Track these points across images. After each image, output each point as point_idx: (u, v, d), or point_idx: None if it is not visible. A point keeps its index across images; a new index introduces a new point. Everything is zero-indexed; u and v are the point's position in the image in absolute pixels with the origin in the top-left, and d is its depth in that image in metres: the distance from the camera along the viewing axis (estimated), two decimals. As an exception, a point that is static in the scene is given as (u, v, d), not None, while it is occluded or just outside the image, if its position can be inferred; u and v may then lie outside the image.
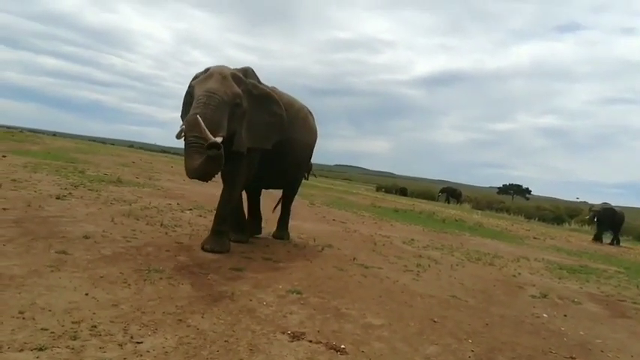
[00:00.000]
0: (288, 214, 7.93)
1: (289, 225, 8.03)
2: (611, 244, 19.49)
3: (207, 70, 5.78)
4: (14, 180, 8.48)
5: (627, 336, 5.18)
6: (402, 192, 42.24)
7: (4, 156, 12.16)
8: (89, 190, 8.83)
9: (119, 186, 9.98)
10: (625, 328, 5.54)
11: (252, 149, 6.05)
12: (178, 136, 5.29)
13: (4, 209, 6.04)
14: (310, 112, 7.69)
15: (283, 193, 7.92)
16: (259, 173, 6.48)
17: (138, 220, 6.87)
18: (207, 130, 4.87)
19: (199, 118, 4.92)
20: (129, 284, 4.02)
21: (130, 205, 8.00)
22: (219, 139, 4.95)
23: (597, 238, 19.72)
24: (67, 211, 6.62)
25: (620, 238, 20.65)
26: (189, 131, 5.03)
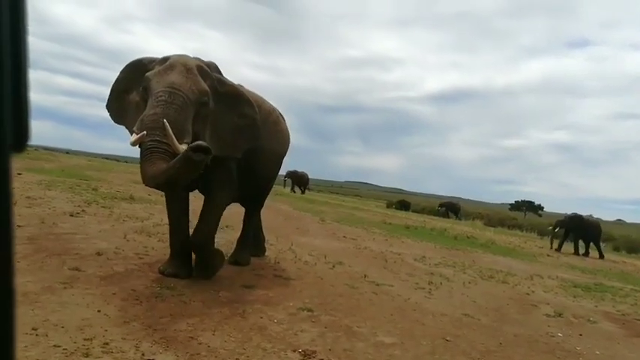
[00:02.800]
0: (250, 233, 6.76)
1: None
2: (585, 254, 18.36)
3: (165, 59, 4.74)
4: (29, 197, 8.60)
5: (645, 356, 5.07)
6: (404, 206, 42.33)
7: (19, 174, 12.35)
8: (102, 207, 8.92)
9: (131, 203, 10.07)
10: (643, 348, 5.41)
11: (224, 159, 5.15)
12: (135, 143, 4.28)
13: (18, 226, 6.11)
14: (281, 115, 6.74)
15: (246, 211, 6.87)
16: None
17: (150, 236, 6.91)
18: (174, 137, 4.12)
19: (167, 123, 4.10)
20: (141, 301, 4.04)
21: (142, 222, 8.06)
22: (183, 147, 4.19)
23: (559, 247, 18.62)
24: (80, 228, 6.69)
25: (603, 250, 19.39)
26: (148, 135, 4.20)
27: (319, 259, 7.63)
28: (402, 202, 43.52)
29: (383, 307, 5.32)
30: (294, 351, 3.52)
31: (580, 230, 18.73)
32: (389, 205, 44.34)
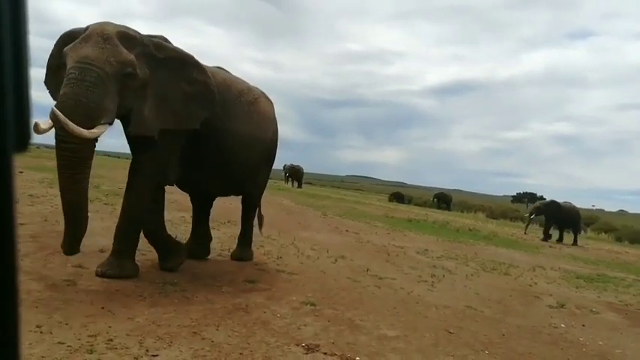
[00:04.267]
0: (249, 229, 6.45)
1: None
2: (559, 241, 18.11)
3: (86, 28, 4.16)
4: (31, 195, 8.61)
5: (648, 346, 5.08)
6: (398, 198, 43.25)
7: (21, 172, 12.36)
8: (104, 204, 8.92)
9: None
10: (645, 337, 5.42)
11: (170, 134, 4.62)
12: (40, 130, 3.59)
13: (21, 224, 6.12)
14: (266, 99, 6.12)
15: (242, 203, 6.53)
16: (187, 172, 5.08)
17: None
18: (70, 124, 3.63)
19: (56, 111, 3.61)
20: (144, 297, 4.05)
21: (145, 218, 8.06)
22: (99, 130, 3.86)
23: (545, 236, 18.25)
24: (82, 225, 6.69)
25: (579, 236, 19.01)
26: (55, 124, 3.68)
27: (321, 253, 7.65)
28: (396, 194, 44.52)
29: (386, 300, 5.33)
30: (298, 345, 3.54)
31: (557, 217, 18.51)
32: (391, 199, 44.69)
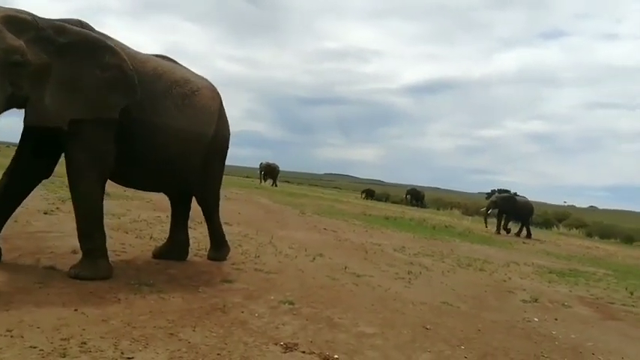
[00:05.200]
0: (217, 227, 6.16)
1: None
2: (518, 235, 18.49)
3: None
4: None
5: (618, 338, 5.23)
6: (370, 194, 43.84)
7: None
8: (77, 204, 8.73)
9: (107, 199, 9.79)
10: (615, 330, 5.58)
11: (94, 123, 4.33)
12: None
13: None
14: (209, 91, 5.62)
15: (198, 204, 6.07)
16: (119, 168, 4.76)
17: (127, 233, 6.82)
18: None
19: None
20: (119, 299, 3.98)
21: (119, 218, 7.93)
22: None
23: (498, 229, 18.56)
24: (54, 226, 6.55)
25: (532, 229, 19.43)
26: None
27: (300, 251, 7.64)
28: (367, 190, 45.20)
29: (364, 297, 5.36)
30: (276, 344, 3.52)
31: (511, 210, 18.82)
32: (363, 196, 45.23)
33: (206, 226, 6.23)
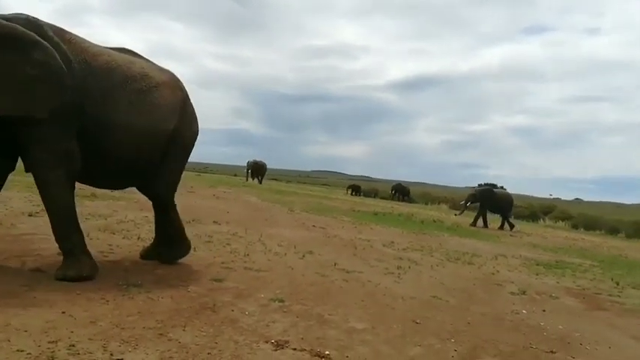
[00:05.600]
0: (175, 223, 5.77)
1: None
2: (501, 228, 18.57)
3: None
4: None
5: (604, 328, 5.31)
6: (356, 190, 44.11)
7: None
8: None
9: (94, 200, 9.80)
10: (602, 320, 5.67)
11: (47, 124, 4.23)
12: None
13: (-27, 229, 5.86)
14: (170, 87, 5.34)
15: (152, 202, 5.79)
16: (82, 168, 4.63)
17: (114, 234, 6.75)
18: None
19: None
20: (107, 300, 3.94)
21: (106, 219, 7.85)
22: None
23: (475, 221, 18.57)
24: (40, 228, 6.46)
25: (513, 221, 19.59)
26: None
27: (289, 249, 7.64)
28: (353, 186, 45.37)
29: (353, 293, 5.37)
30: (267, 342, 3.52)
31: (491, 203, 18.93)
32: (349, 192, 45.42)
33: (158, 222, 5.77)
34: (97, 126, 4.57)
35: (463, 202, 21.08)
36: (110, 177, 5.19)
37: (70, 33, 4.62)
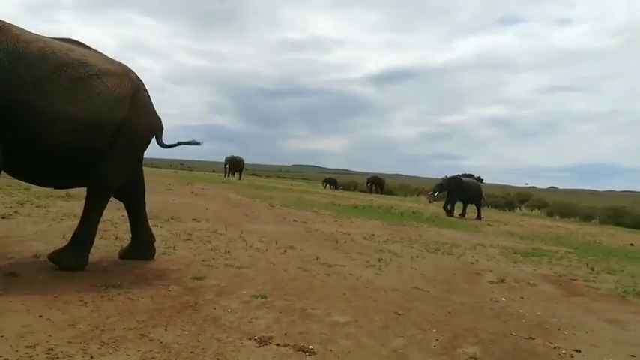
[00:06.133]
0: (85, 228, 5.09)
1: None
2: (462, 216, 18.78)
3: None
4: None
5: (581, 313, 5.44)
6: (332, 183, 44.23)
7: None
8: (37, 207, 8.45)
9: (68, 200, 9.59)
10: (578, 305, 5.81)
11: None
12: None
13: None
14: (115, 75, 5.00)
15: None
16: (12, 160, 4.47)
17: (91, 234, 6.62)
18: None
19: None
20: (85, 302, 3.88)
21: (82, 219, 7.69)
22: None
23: (446, 210, 18.83)
24: (13, 230, 6.31)
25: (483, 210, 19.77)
26: None
27: (270, 244, 7.62)
28: (329, 179, 45.81)
29: (336, 287, 5.39)
30: (250, 339, 3.51)
31: (459, 192, 19.08)
32: (324, 185, 45.61)
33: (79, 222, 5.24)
34: (30, 115, 4.32)
35: (431, 192, 21.31)
36: (53, 172, 4.87)
37: (3, 21, 4.42)
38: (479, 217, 19.02)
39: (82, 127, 4.65)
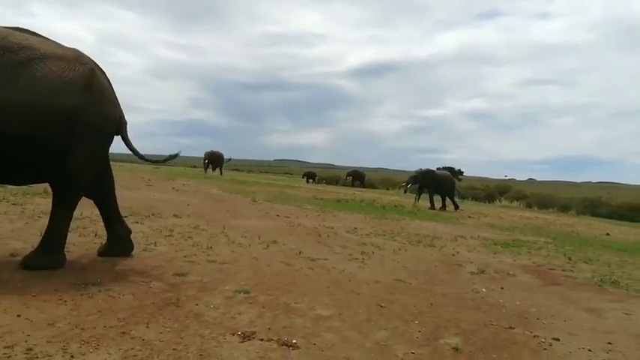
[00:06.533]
0: (54, 229, 4.85)
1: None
2: (442, 209, 19.05)
3: None
4: None
5: (559, 302, 5.55)
6: (310, 176, 44.17)
7: None
8: (13, 204, 8.27)
9: (46, 198, 9.40)
10: (556, 294, 5.92)
11: None
12: None
13: None
14: (66, 60, 4.70)
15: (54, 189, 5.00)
16: None
17: (69, 232, 6.51)
18: None
19: None
20: (65, 300, 3.82)
21: (60, 217, 7.56)
22: None
23: (423, 201, 19.10)
24: (-12, 229, 6.17)
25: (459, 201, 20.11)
26: None
27: (253, 239, 7.59)
28: (308, 173, 46.01)
29: (319, 281, 5.40)
30: (233, 334, 3.50)
31: (432, 185, 19.37)
32: (319, 181, 45.47)
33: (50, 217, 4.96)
34: None
35: (404, 184, 21.48)
36: (9, 166, 4.58)
37: None
38: (446, 208, 19.21)
39: (26, 115, 4.38)
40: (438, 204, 19.54)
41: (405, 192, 20.60)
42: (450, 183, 19.89)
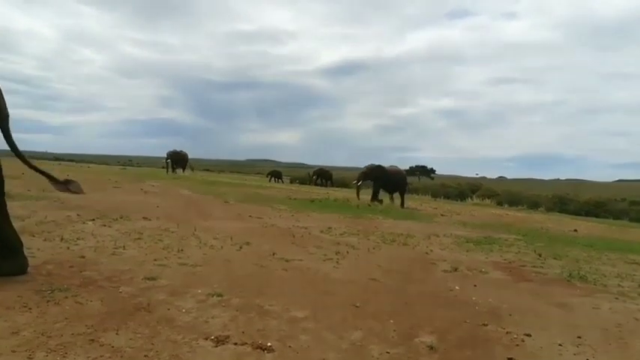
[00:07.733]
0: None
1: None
2: (402, 206, 18.95)
3: None
4: None
5: (530, 298, 5.64)
6: (275, 175, 43.92)
7: None
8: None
9: (9, 201, 9.05)
10: (527, 291, 6.02)
11: None
12: None
13: None
14: None
15: None
16: None
17: (34, 236, 6.30)
18: None
19: None
20: (29, 308, 3.67)
21: (24, 220, 7.30)
22: None
23: (374, 198, 19.13)
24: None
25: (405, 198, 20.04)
26: None
27: (225, 241, 7.49)
28: (273, 172, 45.36)
29: (293, 282, 5.36)
30: (206, 339, 3.42)
31: (382, 180, 19.29)
32: (292, 181, 45.20)
33: None
34: None
35: (355, 181, 21.38)
36: None
37: None
38: (402, 205, 19.19)
39: None
40: (386, 200, 19.67)
41: (358, 194, 20.41)
42: (402, 179, 19.94)
